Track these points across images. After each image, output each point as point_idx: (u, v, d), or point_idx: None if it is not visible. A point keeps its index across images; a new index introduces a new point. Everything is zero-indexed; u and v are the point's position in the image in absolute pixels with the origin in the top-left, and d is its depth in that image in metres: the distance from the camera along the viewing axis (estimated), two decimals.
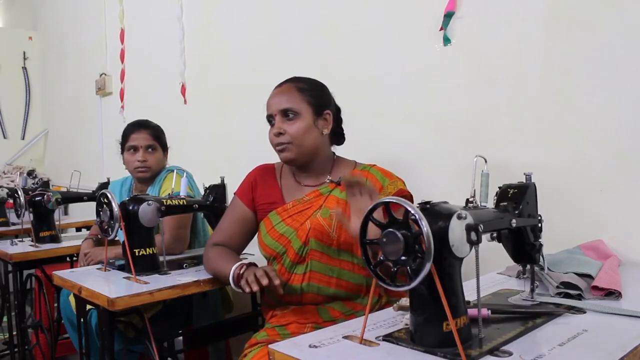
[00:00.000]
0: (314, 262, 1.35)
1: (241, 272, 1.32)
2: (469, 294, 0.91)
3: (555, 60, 1.46)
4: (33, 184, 3.05)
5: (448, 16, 1.67)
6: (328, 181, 1.43)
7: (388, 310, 1.06)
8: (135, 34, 3.56)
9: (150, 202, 1.57)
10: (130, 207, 1.55)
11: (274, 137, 1.39)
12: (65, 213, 4.11)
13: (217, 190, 1.76)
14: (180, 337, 1.99)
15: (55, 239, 2.30)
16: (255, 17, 2.50)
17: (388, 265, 0.79)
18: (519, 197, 1.00)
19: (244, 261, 1.38)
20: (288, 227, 1.38)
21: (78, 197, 2.59)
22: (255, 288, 1.23)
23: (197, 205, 1.73)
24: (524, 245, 1.03)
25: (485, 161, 1.03)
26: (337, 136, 1.50)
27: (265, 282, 1.21)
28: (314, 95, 1.40)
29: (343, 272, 1.35)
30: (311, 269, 1.35)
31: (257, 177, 1.51)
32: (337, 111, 1.49)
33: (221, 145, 2.78)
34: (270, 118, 1.41)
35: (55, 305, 2.29)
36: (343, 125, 1.53)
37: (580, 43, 1.41)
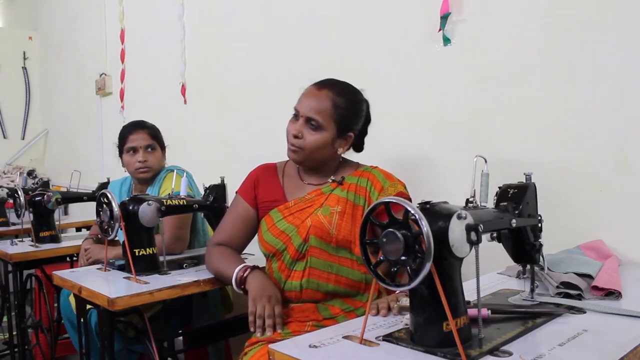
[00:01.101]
0: (313, 259, 1.35)
1: (245, 275, 1.34)
2: (469, 294, 0.91)
3: (555, 60, 1.46)
4: (33, 184, 3.05)
5: (444, 17, 1.67)
6: (330, 180, 1.43)
7: None
8: (135, 34, 3.56)
9: (150, 202, 1.57)
10: (130, 207, 1.55)
11: (291, 135, 1.38)
12: (65, 213, 4.11)
13: (217, 190, 1.76)
14: (180, 337, 1.99)
15: (55, 239, 2.30)
16: (256, 17, 2.50)
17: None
18: (519, 197, 1.00)
19: (247, 263, 1.38)
20: (289, 224, 1.39)
21: (78, 197, 2.59)
22: (252, 328, 1.27)
23: (197, 205, 1.73)
24: (524, 245, 1.03)
25: (485, 161, 1.03)
26: (356, 145, 1.49)
27: (269, 334, 1.25)
28: (345, 116, 1.37)
29: (342, 268, 1.36)
30: (310, 265, 1.35)
31: (259, 175, 1.51)
32: (365, 123, 1.46)
33: (221, 145, 2.78)
34: (296, 111, 1.39)
35: (55, 305, 2.29)
36: None
37: (580, 43, 1.41)
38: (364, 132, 1.49)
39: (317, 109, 1.35)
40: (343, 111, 1.36)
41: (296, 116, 1.39)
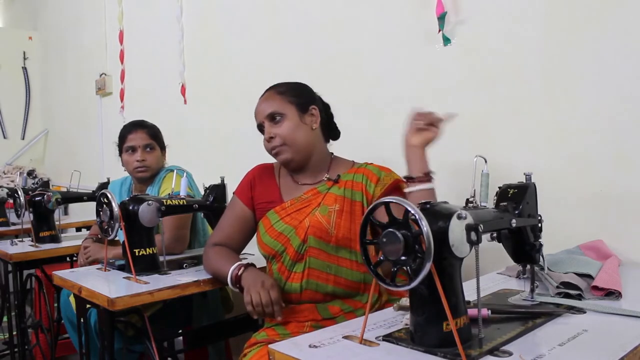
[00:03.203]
0: (312, 259, 1.35)
1: (239, 273, 1.34)
2: (469, 294, 0.91)
3: (555, 60, 1.46)
4: (33, 184, 3.04)
5: (442, 18, 1.67)
6: (326, 179, 1.43)
7: (388, 310, 1.06)
8: (135, 34, 3.56)
9: (150, 202, 1.57)
10: (130, 207, 1.55)
11: (267, 143, 1.41)
12: (65, 213, 4.11)
13: (217, 190, 1.76)
14: (180, 337, 1.99)
15: (55, 239, 2.30)
16: (255, 16, 2.50)
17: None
18: (519, 197, 1.00)
19: (243, 262, 1.38)
20: (287, 225, 1.39)
21: (78, 197, 2.60)
22: (255, 316, 1.26)
23: (197, 205, 1.73)
24: (524, 245, 1.03)
25: (485, 161, 1.03)
26: (331, 131, 1.51)
27: (268, 310, 1.25)
28: (295, 95, 1.43)
29: (341, 269, 1.35)
30: (309, 266, 1.35)
31: (255, 176, 1.51)
32: (325, 107, 1.50)
33: (221, 145, 2.78)
34: (260, 127, 1.44)
35: (55, 305, 2.29)
36: (343, 125, 1.53)
37: (580, 43, 1.41)
38: (330, 115, 1.52)
39: (270, 104, 1.42)
40: (290, 92, 1.43)
41: (262, 130, 1.43)
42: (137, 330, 1.65)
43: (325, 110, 1.50)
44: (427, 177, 1.22)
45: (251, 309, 1.26)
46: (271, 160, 1.55)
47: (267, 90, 1.47)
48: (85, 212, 3.44)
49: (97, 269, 1.67)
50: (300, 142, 1.40)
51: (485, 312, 0.92)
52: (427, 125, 1.23)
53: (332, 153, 1.50)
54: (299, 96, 1.43)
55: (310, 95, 1.47)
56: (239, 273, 1.33)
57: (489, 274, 1.32)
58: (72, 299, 1.83)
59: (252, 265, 1.37)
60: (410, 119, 1.25)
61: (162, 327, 1.69)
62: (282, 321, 1.35)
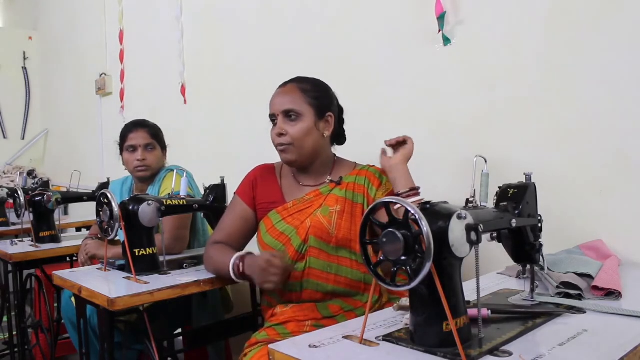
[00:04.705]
0: (312, 259, 1.35)
1: (241, 262, 1.32)
2: (469, 294, 0.91)
3: (555, 60, 1.46)
4: (33, 184, 3.04)
5: (441, 18, 1.67)
6: (328, 181, 1.44)
7: (388, 310, 1.06)
8: (135, 34, 3.56)
9: (150, 202, 1.57)
10: (130, 207, 1.55)
11: (276, 137, 1.40)
12: (65, 213, 4.11)
13: (217, 190, 1.76)
14: (180, 337, 1.99)
15: (55, 239, 2.31)
16: (255, 16, 2.50)
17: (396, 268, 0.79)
18: (519, 197, 1.00)
19: (242, 252, 1.37)
20: (288, 225, 1.39)
21: (78, 197, 2.59)
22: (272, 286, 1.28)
23: (197, 205, 1.73)
24: (524, 245, 1.03)
25: (485, 161, 1.03)
26: (339, 137, 1.51)
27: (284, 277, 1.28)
28: (317, 97, 1.41)
29: (341, 268, 1.36)
30: (310, 265, 1.36)
31: (257, 176, 1.52)
32: (339, 112, 1.50)
33: (221, 145, 2.78)
34: (272, 117, 1.42)
35: (55, 305, 2.29)
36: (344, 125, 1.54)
37: (580, 43, 1.41)
38: (341, 120, 1.51)
39: (289, 100, 1.39)
40: (313, 93, 1.40)
41: (274, 121, 1.41)
42: (131, 327, 1.64)
43: (339, 115, 1.49)
44: (414, 191, 1.31)
45: (276, 280, 1.25)
46: (271, 159, 1.56)
47: (289, 82, 1.43)
48: (85, 212, 3.44)
49: (97, 269, 1.67)
50: (308, 147, 1.39)
51: (485, 312, 0.92)
52: (399, 143, 1.38)
53: (335, 155, 1.51)
54: (320, 99, 1.41)
55: (331, 100, 1.45)
56: (240, 262, 1.32)
57: (489, 274, 1.32)
58: (74, 301, 1.83)
59: (251, 253, 1.36)
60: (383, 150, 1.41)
61: (162, 327, 1.69)
62: (282, 321, 1.35)
